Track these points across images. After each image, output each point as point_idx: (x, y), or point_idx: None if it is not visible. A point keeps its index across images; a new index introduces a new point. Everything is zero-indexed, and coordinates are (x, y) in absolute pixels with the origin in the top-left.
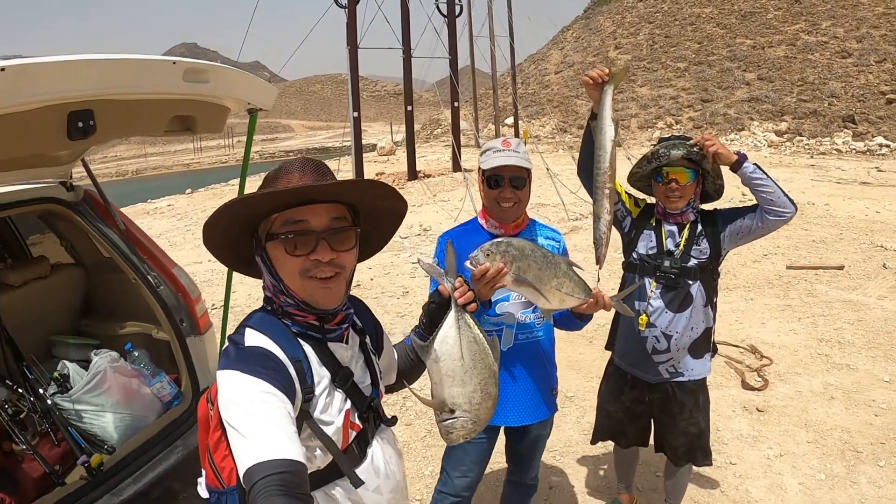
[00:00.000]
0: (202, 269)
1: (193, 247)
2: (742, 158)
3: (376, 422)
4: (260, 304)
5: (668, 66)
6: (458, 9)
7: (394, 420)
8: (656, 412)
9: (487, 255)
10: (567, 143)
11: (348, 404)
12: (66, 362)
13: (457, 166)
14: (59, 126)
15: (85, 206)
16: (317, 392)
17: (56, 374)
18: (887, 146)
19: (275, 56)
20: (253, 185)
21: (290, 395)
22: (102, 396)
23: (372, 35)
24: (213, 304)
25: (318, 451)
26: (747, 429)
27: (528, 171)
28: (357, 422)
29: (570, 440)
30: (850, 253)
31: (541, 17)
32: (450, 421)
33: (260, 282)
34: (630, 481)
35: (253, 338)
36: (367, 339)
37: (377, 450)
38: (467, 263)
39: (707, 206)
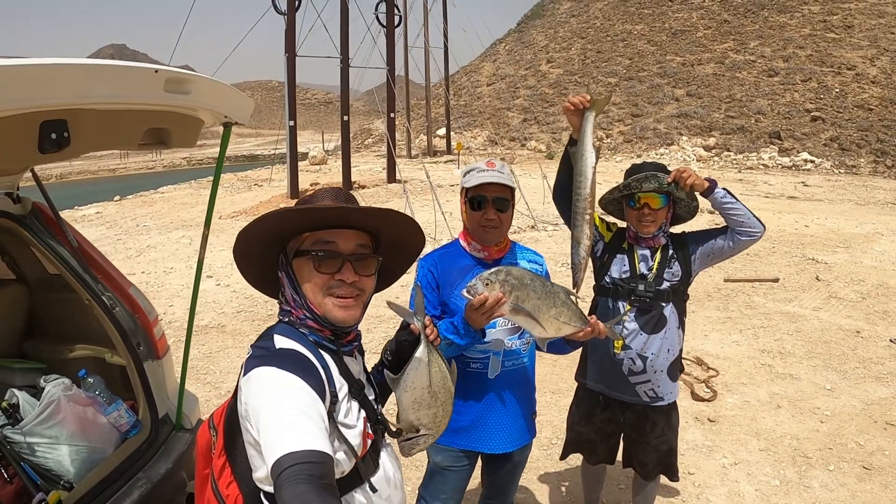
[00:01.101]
0: (136, 281)
1: (125, 257)
2: (713, 185)
3: (383, 434)
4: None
5: (600, 80)
6: (396, 19)
7: (399, 433)
8: (628, 430)
9: (486, 283)
10: (499, 155)
11: (363, 414)
12: (14, 391)
13: (392, 177)
14: (30, 137)
15: (33, 220)
16: (339, 397)
17: (5, 403)
18: (812, 162)
19: (205, 60)
20: (181, 193)
21: (322, 397)
22: (56, 428)
23: (307, 43)
24: None
25: (342, 456)
26: (701, 439)
27: (512, 193)
28: (370, 432)
29: (531, 456)
30: (783, 266)
31: (478, 27)
32: (414, 439)
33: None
34: (597, 496)
35: (283, 342)
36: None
37: (386, 460)
38: (464, 292)
39: (675, 229)
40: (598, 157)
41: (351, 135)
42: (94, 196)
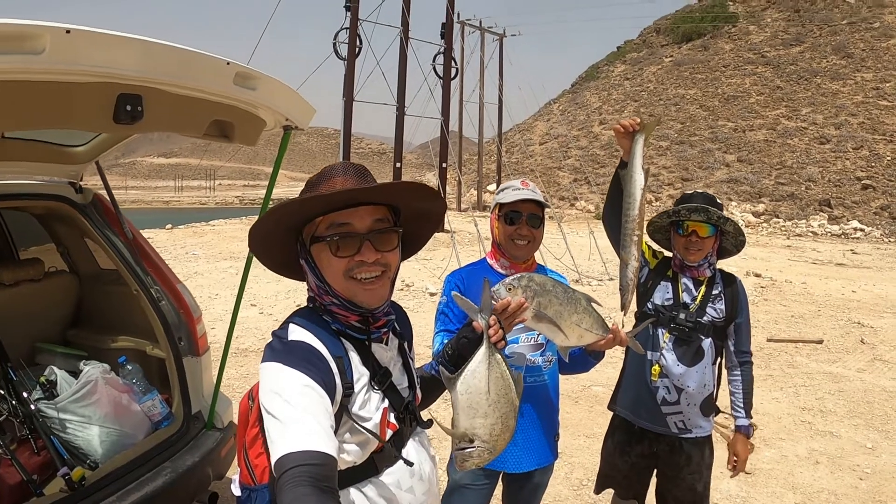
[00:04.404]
0: None
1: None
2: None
3: (412, 423)
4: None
5: (651, 144)
6: (453, 71)
7: (429, 423)
8: (661, 465)
9: (509, 289)
10: (548, 214)
11: (385, 403)
12: (54, 368)
13: (440, 227)
14: (107, 107)
15: (93, 210)
16: (356, 389)
17: (43, 378)
18: (862, 230)
19: None
20: (231, 227)
21: (330, 391)
22: (90, 408)
23: (364, 92)
24: None
25: (355, 447)
26: (736, 490)
27: (544, 211)
28: (393, 421)
29: (560, 495)
30: (828, 328)
31: (534, 86)
32: (469, 450)
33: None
34: None
35: (297, 333)
36: (405, 344)
37: (412, 451)
38: None
39: (728, 269)
40: (647, 180)
41: None
42: (146, 224)
